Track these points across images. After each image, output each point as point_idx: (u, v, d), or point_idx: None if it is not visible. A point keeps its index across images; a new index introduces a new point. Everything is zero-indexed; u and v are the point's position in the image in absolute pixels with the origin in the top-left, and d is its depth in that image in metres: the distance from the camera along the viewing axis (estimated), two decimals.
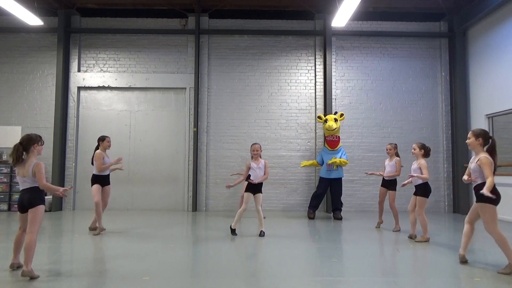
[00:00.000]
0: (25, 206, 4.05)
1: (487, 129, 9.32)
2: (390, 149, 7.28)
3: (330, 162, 8.62)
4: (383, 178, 7.32)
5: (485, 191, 4.10)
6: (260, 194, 6.43)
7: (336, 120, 8.92)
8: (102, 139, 6.78)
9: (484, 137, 4.41)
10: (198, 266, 4.65)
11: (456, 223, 8.37)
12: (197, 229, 7.35)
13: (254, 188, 6.37)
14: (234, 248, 5.57)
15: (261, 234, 6.39)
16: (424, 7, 10.46)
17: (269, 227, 7.27)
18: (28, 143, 4.10)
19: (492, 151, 4.36)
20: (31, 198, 4.04)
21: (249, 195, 6.37)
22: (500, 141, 9.20)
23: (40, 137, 4.26)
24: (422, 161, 6.16)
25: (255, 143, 6.64)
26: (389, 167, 7.23)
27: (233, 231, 6.51)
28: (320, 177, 9.01)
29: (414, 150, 6.30)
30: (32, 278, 3.93)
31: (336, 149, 8.87)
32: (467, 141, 4.55)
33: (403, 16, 10.66)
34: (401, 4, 10.42)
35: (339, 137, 9.02)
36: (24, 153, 4.10)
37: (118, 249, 5.43)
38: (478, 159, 4.35)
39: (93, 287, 3.76)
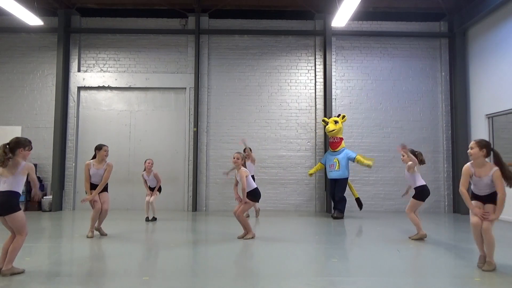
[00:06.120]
0: None
1: (487, 129, 9.35)
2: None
3: (357, 161, 8.71)
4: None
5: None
6: None
7: (336, 122, 8.98)
8: (99, 148, 6.25)
9: (488, 148, 4.30)
10: (198, 266, 4.64)
11: (456, 223, 8.36)
12: (197, 229, 7.35)
13: None
14: (234, 248, 5.57)
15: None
16: (424, 7, 10.44)
17: (269, 227, 7.27)
18: (14, 146, 4.05)
19: (499, 163, 4.23)
20: (5, 204, 3.91)
21: None
22: (500, 141, 9.20)
23: (29, 142, 4.20)
24: (410, 163, 6.10)
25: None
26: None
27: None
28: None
29: (403, 156, 6.20)
30: (13, 274, 3.95)
31: (337, 150, 8.96)
32: (469, 151, 4.39)
33: (403, 16, 10.65)
34: (401, 4, 10.40)
35: (341, 138, 9.08)
36: (10, 155, 4.02)
37: (118, 249, 5.43)
38: (492, 174, 4.21)
39: (93, 287, 3.76)
